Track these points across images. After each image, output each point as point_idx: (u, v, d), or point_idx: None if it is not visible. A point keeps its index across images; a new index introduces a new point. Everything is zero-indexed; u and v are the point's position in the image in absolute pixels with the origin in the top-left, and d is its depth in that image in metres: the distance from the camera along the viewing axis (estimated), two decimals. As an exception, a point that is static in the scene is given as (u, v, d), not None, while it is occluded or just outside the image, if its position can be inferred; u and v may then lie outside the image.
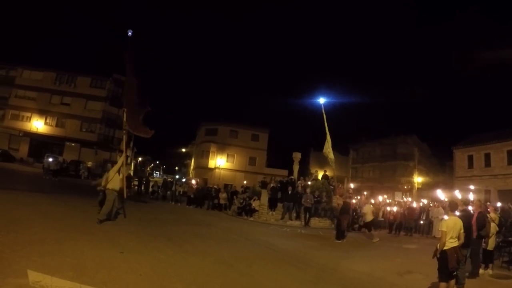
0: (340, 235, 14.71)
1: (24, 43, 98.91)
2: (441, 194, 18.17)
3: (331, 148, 17.83)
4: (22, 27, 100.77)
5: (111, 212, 11.23)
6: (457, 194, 13.81)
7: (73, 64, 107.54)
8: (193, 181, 28.29)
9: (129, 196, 15.21)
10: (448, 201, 10.91)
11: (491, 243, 9.86)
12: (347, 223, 15.80)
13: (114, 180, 11.27)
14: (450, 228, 6.92)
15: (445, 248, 6.87)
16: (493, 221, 10.19)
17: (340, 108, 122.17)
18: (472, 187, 25.66)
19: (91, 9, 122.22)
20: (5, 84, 44.68)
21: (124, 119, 12.76)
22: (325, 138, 17.68)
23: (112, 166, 12.32)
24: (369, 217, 16.44)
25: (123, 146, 13.75)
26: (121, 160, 11.92)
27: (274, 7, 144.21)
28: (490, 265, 9.90)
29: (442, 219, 8.64)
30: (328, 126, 17.36)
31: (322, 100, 17.66)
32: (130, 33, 13.75)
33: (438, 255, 7.00)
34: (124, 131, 13.45)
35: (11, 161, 35.00)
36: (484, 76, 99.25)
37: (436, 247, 7.09)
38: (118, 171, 11.49)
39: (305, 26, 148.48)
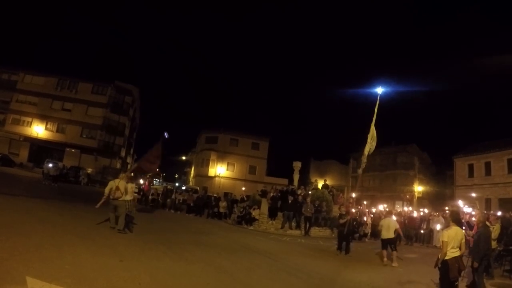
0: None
1: (24, 43, 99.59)
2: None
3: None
4: (22, 27, 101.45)
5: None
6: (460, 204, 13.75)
7: (74, 66, 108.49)
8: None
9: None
10: (449, 211, 10.86)
11: None
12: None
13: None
14: (451, 238, 6.89)
15: (446, 258, 6.83)
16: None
17: (340, 117, 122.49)
18: (473, 195, 25.65)
19: (91, 9, 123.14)
20: (7, 89, 44.76)
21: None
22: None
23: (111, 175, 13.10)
24: (389, 234, 12.64)
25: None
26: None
27: (274, 7, 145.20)
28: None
29: (440, 230, 8.65)
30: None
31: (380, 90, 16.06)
32: (166, 135, 14.67)
33: (439, 265, 6.96)
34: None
35: (10, 166, 34.95)
36: (484, 82, 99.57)
37: (438, 257, 7.06)
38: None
39: (305, 27, 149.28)
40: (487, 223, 10.29)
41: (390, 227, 12.70)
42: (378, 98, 15.79)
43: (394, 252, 12.32)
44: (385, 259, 12.29)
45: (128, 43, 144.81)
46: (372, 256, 14.03)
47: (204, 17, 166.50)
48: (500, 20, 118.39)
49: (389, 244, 12.64)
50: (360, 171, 16.72)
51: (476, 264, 7.99)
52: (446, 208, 20.70)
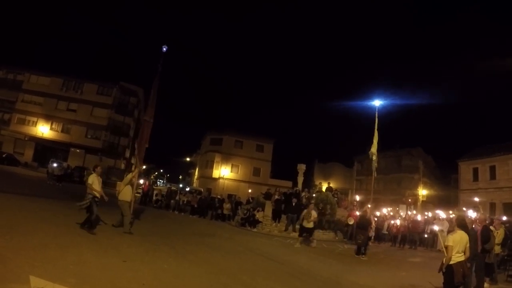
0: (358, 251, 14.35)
1: (24, 43, 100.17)
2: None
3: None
4: (22, 27, 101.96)
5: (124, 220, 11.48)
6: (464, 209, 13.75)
7: (74, 66, 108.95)
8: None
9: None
10: (455, 216, 10.81)
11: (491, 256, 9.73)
12: (364, 239, 14.55)
13: (125, 191, 11.73)
14: (456, 242, 6.83)
15: (451, 262, 6.78)
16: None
17: (344, 119, 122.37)
18: (477, 199, 25.47)
19: (91, 9, 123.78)
20: (13, 88, 44.92)
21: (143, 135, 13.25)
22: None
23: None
24: (310, 224, 15.77)
25: (137, 162, 14.13)
26: (132, 174, 12.23)
27: (274, 7, 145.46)
28: (487, 278, 9.71)
29: (442, 231, 8.63)
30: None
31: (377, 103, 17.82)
32: (164, 49, 14.12)
33: (444, 270, 6.91)
34: (136, 146, 13.81)
35: (15, 165, 35.07)
36: (488, 84, 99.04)
37: (442, 261, 7.00)
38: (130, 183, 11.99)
39: (305, 27, 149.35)
40: (492, 227, 10.24)
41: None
42: (377, 112, 16.68)
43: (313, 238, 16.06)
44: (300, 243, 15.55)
45: (128, 43, 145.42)
46: (376, 260, 13.99)
47: (204, 17, 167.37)
48: (500, 20, 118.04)
49: (307, 232, 15.81)
50: (374, 173, 17.40)
51: (468, 265, 7.93)
52: (451, 212, 20.59)
